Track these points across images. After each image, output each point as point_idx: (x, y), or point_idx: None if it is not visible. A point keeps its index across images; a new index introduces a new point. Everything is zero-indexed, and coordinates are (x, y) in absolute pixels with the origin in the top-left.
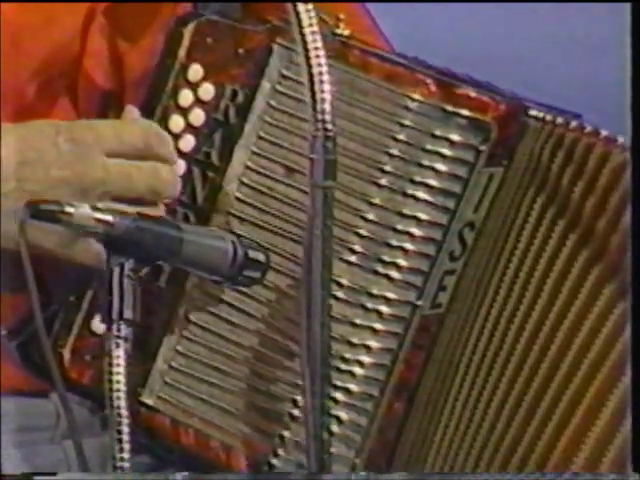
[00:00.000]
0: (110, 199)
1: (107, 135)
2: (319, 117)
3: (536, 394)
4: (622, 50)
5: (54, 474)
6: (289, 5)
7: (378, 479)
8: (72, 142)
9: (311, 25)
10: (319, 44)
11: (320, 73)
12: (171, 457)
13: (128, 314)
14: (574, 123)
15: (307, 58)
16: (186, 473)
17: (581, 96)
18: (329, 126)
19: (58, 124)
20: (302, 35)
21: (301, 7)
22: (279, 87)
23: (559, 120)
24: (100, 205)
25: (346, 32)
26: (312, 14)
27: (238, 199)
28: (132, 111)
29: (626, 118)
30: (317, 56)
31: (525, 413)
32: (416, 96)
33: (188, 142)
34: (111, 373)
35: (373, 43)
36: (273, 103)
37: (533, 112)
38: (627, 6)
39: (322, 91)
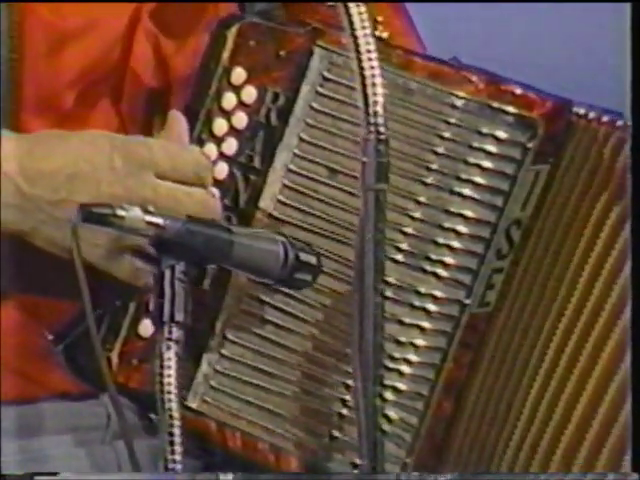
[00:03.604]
0: None
1: (161, 158)
2: (371, 120)
3: (592, 394)
4: (622, 50)
5: (55, 474)
6: (341, 7)
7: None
8: (126, 159)
9: (364, 28)
10: (372, 47)
11: (373, 76)
12: (216, 460)
13: (179, 316)
14: (618, 121)
15: (359, 60)
16: (239, 473)
17: (581, 95)
18: (382, 129)
19: (113, 138)
20: (354, 37)
21: (353, 9)
22: (320, 89)
23: (604, 118)
24: (151, 208)
25: (384, 34)
26: (364, 16)
27: (280, 201)
28: (177, 116)
29: (626, 117)
30: (370, 59)
31: (583, 412)
32: (462, 94)
33: (231, 145)
34: (162, 375)
35: (409, 45)
36: (314, 105)
37: (578, 110)
38: (627, 6)
39: (375, 94)
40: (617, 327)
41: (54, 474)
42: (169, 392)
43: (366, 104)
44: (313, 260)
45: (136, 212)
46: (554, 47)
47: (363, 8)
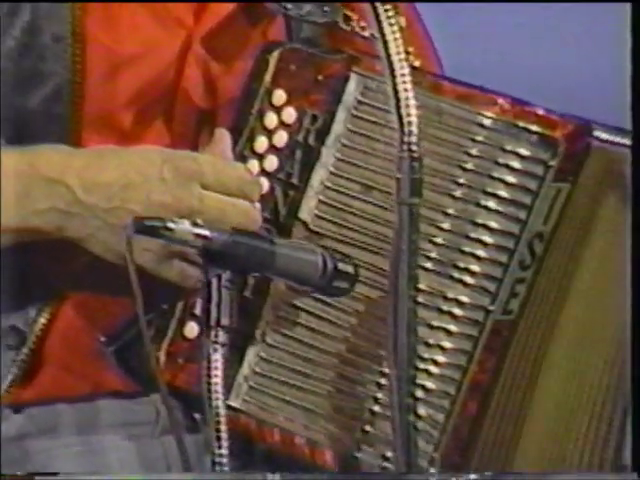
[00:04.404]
0: None
1: (207, 170)
2: (405, 139)
3: (600, 396)
4: (622, 50)
5: (56, 474)
6: (377, 33)
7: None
8: (175, 171)
9: (398, 53)
10: (406, 70)
11: (406, 98)
12: (252, 459)
13: (225, 321)
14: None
15: (394, 84)
16: (285, 473)
17: (581, 96)
18: (415, 147)
19: (163, 152)
20: (390, 62)
21: (390, 36)
22: (355, 112)
23: (622, 141)
24: (199, 221)
25: (416, 63)
26: (399, 42)
27: (317, 215)
28: (223, 133)
29: (626, 117)
30: (404, 82)
31: (592, 413)
32: (489, 114)
33: (271, 162)
34: (209, 376)
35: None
36: (350, 126)
37: (597, 133)
38: (627, 6)
39: (408, 114)
40: (622, 331)
41: (55, 474)
42: (216, 391)
43: (401, 124)
44: (351, 269)
45: (185, 225)
46: (552, 47)
47: (398, 34)
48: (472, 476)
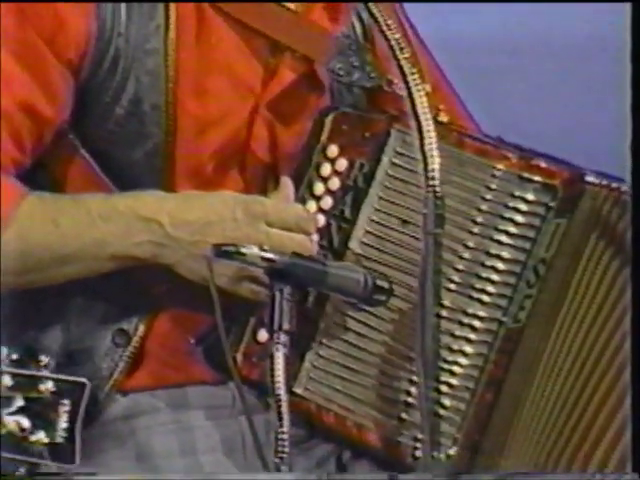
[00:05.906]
0: None
1: (271, 211)
2: (430, 182)
3: (598, 396)
4: (622, 50)
5: (58, 474)
6: (406, 96)
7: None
8: (245, 212)
9: (425, 113)
10: (431, 127)
11: (431, 149)
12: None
13: (286, 326)
14: (620, 186)
15: (421, 139)
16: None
17: (580, 99)
18: (437, 189)
19: (236, 197)
20: (418, 122)
21: (417, 100)
22: (395, 160)
23: (612, 185)
24: (265, 246)
25: (445, 119)
26: (425, 105)
27: (364, 243)
28: (287, 182)
29: (626, 120)
30: (430, 137)
31: (591, 410)
32: (500, 166)
33: (327, 202)
34: (273, 370)
35: (464, 125)
36: (391, 172)
37: (589, 178)
38: (627, 6)
39: (432, 162)
40: (617, 337)
41: (57, 474)
42: (278, 382)
43: (426, 170)
44: (387, 285)
45: (254, 249)
46: (551, 48)
47: (425, 99)
48: (486, 476)
